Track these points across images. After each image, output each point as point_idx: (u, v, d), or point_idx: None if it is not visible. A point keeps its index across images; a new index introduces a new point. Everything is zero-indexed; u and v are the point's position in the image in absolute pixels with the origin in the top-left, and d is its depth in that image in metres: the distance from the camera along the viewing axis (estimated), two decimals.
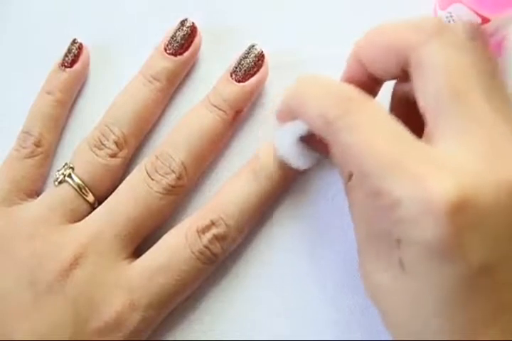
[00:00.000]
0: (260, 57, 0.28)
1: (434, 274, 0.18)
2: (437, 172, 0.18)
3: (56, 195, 0.27)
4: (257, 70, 0.28)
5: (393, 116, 0.20)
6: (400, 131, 0.20)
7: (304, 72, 0.30)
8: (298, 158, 0.25)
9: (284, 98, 0.24)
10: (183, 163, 0.27)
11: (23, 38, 0.33)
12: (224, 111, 0.28)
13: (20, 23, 0.33)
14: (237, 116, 0.29)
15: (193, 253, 0.25)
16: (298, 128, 0.23)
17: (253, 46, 0.28)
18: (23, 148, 0.29)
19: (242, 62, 0.28)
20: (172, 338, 0.27)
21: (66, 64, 0.30)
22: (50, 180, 0.30)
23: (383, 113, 0.20)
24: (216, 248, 0.26)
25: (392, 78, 0.23)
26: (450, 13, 0.27)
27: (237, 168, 0.28)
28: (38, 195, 0.29)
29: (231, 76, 0.28)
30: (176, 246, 0.26)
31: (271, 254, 0.28)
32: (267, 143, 0.28)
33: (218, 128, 0.28)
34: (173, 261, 0.25)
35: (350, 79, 0.24)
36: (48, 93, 0.30)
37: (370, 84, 0.24)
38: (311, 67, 0.30)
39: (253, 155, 0.28)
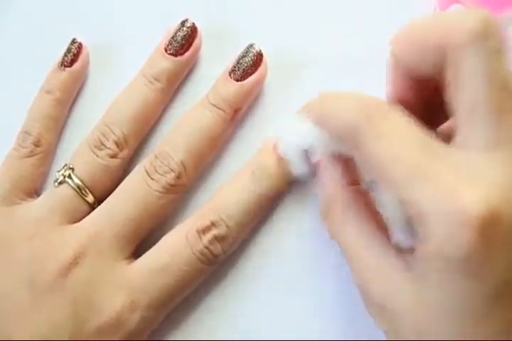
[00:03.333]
0: (259, 56, 0.28)
1: (457, 289, 0.18)
2: (466, 183, 0.17)
3: (56, 196, 0.27)
4: (256, 69, 0.28)
5: (418, 125, 0.20)
6: (427, 139, 0.19)
7: (304, 72, 0.30)
8: (296, 164, 0.25)
9: (308, 105, 0.24)
10: (182, 162, 0.27)
11: (23, 38, 0.33)
12: (223, 110, 0.28)
13: (20, 23, 0.33)
14: (237, 116, 0.29)
15: (193, 253, 0.25)
16: (309, 138, 0.23)
17: (252, 45, 0.29)
18: (23, 147, 0.29)
19: (241, 61, 0.28)
20: (172, 338, 0.27)
21: (66, 63, 0.30)
22: (50, 180, 0.30)
23: (408, 121, 0.20)
24: (216, 248, 0.26)
25: (429, 77, 0.21)
26: None
27: (237, 168, 0.28)
28: (37, 195, 0.29)
29: (230, 75, 0.28)
30: (176, 247, 0.26)
31: (271, 254, 0.28)
32: (267, 143, 0.28)
33: (217, 128, 0.28)
34: (173, 262, 0.25)
35: (392, 81, 0.23)
36: (48, 92, 0.30)
37: (413, 87, 0.23)
38: (311, 67, 0.30)
39: (253, 155, 0.28)
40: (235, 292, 0.28)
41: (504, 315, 0.18)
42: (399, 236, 0.21)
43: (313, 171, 0.25)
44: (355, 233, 0.22)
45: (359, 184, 0.24)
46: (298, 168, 0.25)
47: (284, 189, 0.28)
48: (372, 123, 0.20)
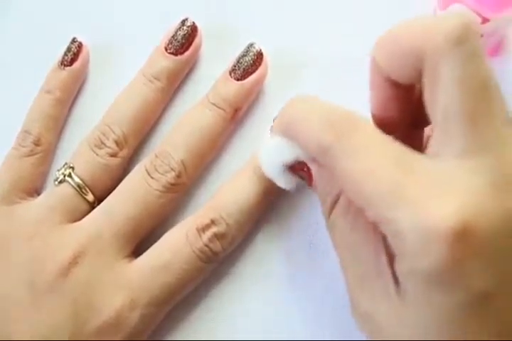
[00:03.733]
0: (259, 56, 0.28)
1: (434, 302, 0.18)
2: (440, 197, 0.17)
3: (56, 195, 0.27)
4: (256, 68, 0.28)
5: (389, 137, 0.19)
6: (398, 151, 0.19)
7: (304, 72, 0.30)
8: (281, 180, 0.24)
9: (278, 120, 0.22)
10: (182, 162, 0.27)
11: (23, 38, 0.33)
12: (223, 109, 0.28)
13: (20, 23, 0.33)
14: (237, 115, 0.29)
15: (193, 251, 0.25)
16: (285, 153, 0.23)
17: (252, 44, 0.29)
18: (23, 147, 0.29)
19: (241, 60, 0.28)
20: (173, 338, 0.27)
21: (66, 62, 0.30)
22: (50, 179, 0.30)
23: (380, 135, 0.19)
24: (216, 246, 0.26)
25: (412, 82, 0.21)
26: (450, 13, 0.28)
27: (237, 167, 0.28)
28: (37, 194, 0.29)
29: (230, 74, 0.28)
30: (176, 245, 0.26)
31: (271, 253, 0.28)
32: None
33: (217, 127, 0.28)
34: (173, 260, 0.25)
35: (374, 88, 0.22)
36: (48, 92, 0.30)
37: (393, 90, 0.22)
38: (311, 67, 0.30)
39: (252, 154, 0.28)
40: (235, 291, 0.28)
41: (483, 325, 0.18)
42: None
43: (297, 182, 0.24)
44: (349, 240, 0.21)
45: None
46: (284, 184, 0.24)
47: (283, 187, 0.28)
48: (342, 139, 0.19)
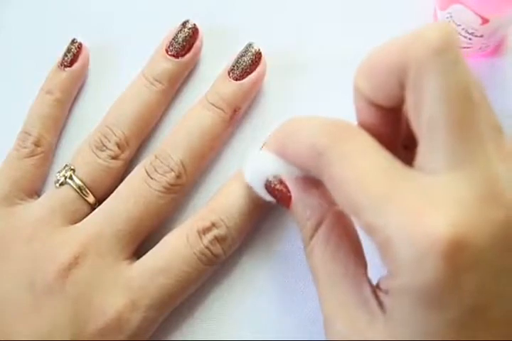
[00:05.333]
0: (257, 55, 0.28)
1: (424, 321, 0.17)
2: (431, 207, 0.17)
3: (57, 197, 0.27)
4: (255, 68, 0.28)
5: (382, 147, 0.19)
6: (391, 162, 0.19)
7: (304, 72, 0.30)
8: (264, 194, 0.24)
9: (274, 132, 0.23)
10: (182, 162, 0.27)
11: (23, 38, 0.33)
12: (222, 109, 0.28)
13: (20, 23, 0.33)
14: (236, 115, 0.29)
15: (194, 253, 0.25)
16: (269, 166, 0.23)
17: (250, 44, 0.29)
18: (23, 147, 0.29)
19: (240, 60, 0.28)
20: (173, 338, 0.27)
21: (65, 63, 0.30)
22: (50, 180, 0.30)
23: (374, 143, 0.19)
24: (217, 249, 0.26)
25: (397, 104, 0.20)
26: (450, 13, 0.28)
27: (236, 168, 0.28)
28: (37, 195, 0.29)
29: (229, 74, 0.28)
30: (177, 247, 0.26)
31: (272, 255, 0.28)
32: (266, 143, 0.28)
33: (217, 127, 0.28)
34: (174, 262, 0.25)
35: (361, 114, 0.22)
36: (48, 93, 0.30)
37: (379, 114, 0.21)
38: (311, 67, 0.30)
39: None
40: (235, 293, 0.28)
41: (476, 339, 0.17)
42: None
43: (279, 202, 0.24)
44: (329, 271, 0.21)
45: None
46: (265, 196, 0.24)
47: None
48: (338, 144, 0.19)
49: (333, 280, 0.21)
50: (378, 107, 0.21)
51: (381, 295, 0.19)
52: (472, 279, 0.17)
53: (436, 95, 0.18)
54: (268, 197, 0.24)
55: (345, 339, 0.20)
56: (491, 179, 0.18)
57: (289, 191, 0.23)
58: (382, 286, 0.19)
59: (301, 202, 0.22)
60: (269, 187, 0.23)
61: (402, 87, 0.19)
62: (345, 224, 0.22)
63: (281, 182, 0.23)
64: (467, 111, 0.18)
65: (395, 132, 0.21)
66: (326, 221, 0.22)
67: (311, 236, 0.22)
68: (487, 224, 0.17)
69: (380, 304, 0.19)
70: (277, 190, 0.23)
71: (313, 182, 0.22)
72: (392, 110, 0.21)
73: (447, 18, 0.28)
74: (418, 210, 0.17)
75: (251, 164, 0.24)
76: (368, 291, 0.20)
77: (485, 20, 0.26)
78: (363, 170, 0.18)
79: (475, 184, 0.17)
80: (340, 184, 0.19)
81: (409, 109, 0.19)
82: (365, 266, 0.21)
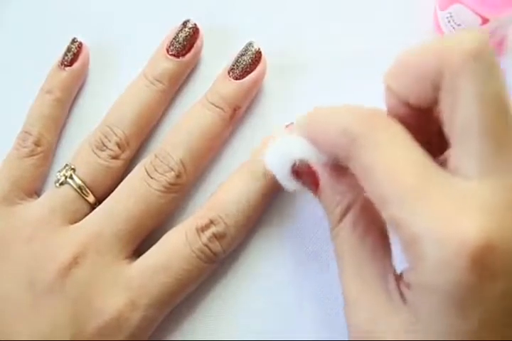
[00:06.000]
0: (257, 55, 0.28)
1: (444, 319, 0.17)
2: (462, 210, 0.17)
3: (57, 197, 0.27)
4: (255, 67, 0.28)
5: (416, 141, 0.19)
6: (423, 157, 0.18)
7: (304, 72, 0.30)
8: (286, 180, 0.23)
9: (300, 117, 0.22)
10: (181, 161, 0.27)
11: (23, 38, 0.33)
12: (222, 108, 0.28)
13: (20, 23, 0.33)
14: (236, 114, 0.29)
15: (193, 251, 0.25)
16: (296, 151, 0.22)
17: (250, 44, 0.29)
18: (23, 147, 0.29)
19: (240, 59, 0.28)
20: (173, 338, 0.27)
21: (66, 63, 0.30)
22: (50, 180, 0.30)
23: (408, 136, 0.19)
24: (216, 246, 0.26)
25: (431, 104, 0.20)
26: (450, 13, 0.28)
27: (236, 167, 0.28)
28: (37, 195, 0.29)
29: (229, 74, 0.28)
30: (176, 245, 0.26)
31: (271, 253, 0.28)
32: (265, 142, 0.28)
33: (216, 126, 0.28)
34: (173, 260, 0.25)
35: (393, 112, 0.21)
36: (48, 92, 0.30)
37: (411, 113, 0.21)
38: (311, 67, 0.30)
39: (251, 154, 0.28)
40: (235, 292, 0.28)
41: None
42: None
43: (308, 188, 0.24)
44: (354, 256, 0.21)
45: None
46: (288, 185, 0.23)
47: (281, 187, 0.28)
48: (371, 132, 0.19)
49: (359, 264, 0.21)
50: (409, 107, 0.21)
51: (403, 287, 0.19)
52: (498, 285, 0.17)
53: (471, 99, 0.18)
54: (289, 184, 0.23)
55: (365, 325, 0.20)
56: None
57: (316, 176, 0.22)
58: (404, 279, 0.19)
59: (330, 187, 0.22)
60: (297, 171, 0.23)
61: (435, 88, 0.19)
62: (373, 211, 0.22)
63: (309, 167, 0.22)
64: (501, 117, 0.18)
65: (424, 133, 0.21)
66: (354, 206, 0.21)
67: (339, 221, 0.22)
68: None
69: (402, 295, 0.19)
70: (306, 174, 0.23)
71: (341, 168, 0.21)
72: (423, 110, 0.20)
73: (447, 18, 0.28)
74: (449, 214, 0.17)
75: (275, 148, 0.23)
76: (392, 280, 0.20)
77: (485, 20, 0.26)
78: (394, 160, 0.18)
79: (506, 192, 0.17)
80: (369, 172, 0.19)
81: (444, 112, 0.19)
82: (390, 255, 0.21)
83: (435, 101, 0.19)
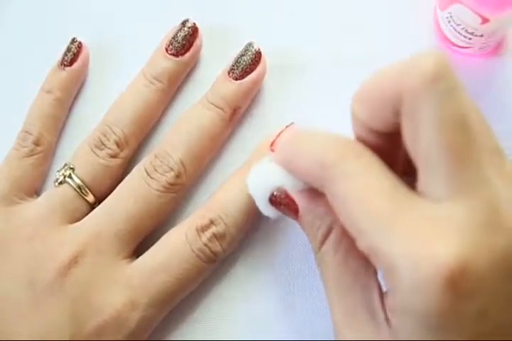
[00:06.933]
0: (257, 55, 0.28)
1: None
2: (435, 233, 0.17)
3: (56, 196, 0.27)
4: (255, 68, 0.28)
5: (388, 168, 0.19)
6: (395, 184, 0.18)
7: (304, 72, 0.30)
8: (266, 208, 0.23)
9: (279, 144, 0.22)
10: (181, 161, 0.27)
11: (23, 38, 0.33)
12: (222, 108, 0.28)
13: (20, 23, 0.33)
14: (236, 115, 0.29)
15: (193, 251, 0.26)
16: (274, 178, 0.22)
17: (250, 44, 0.29)
18: (23, 147, 0.29)
19: (240, 60, 0.28)
20: (173, 338, 0.27)
21: (65, 63, 0.30)
22: (50, 180, 0.30)
23: (379, 163, 0.19)
24: (216, 246, 0.26)
25: (396, 129, 0.20)
26: (450, 13, 0.28)
27: (236, 167, 0.28)
28: (37, 194, 0.29)
29: (229, 74, 0.28)
30: (176, 245, 0.26)
31: (271, 253, 0.28)
32: (265, 141, 0.28)
33: (216, 127, 0.28)
34: (173, 260, 0.25)
35: (360, 140, 0.21)
36: (48, 92, 0.30)
37: (378, 140, 0.21)
38: (311, 67, 0.30)
39: (251, 154, 0.28)
40: (235, 292, 0.28)
41: None
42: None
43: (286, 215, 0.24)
44: (339, 276, 0.21)
45: None
46: (265, 212, 0.24)
47: None
48: (343, 162, 0.19)
49: (343, 288, 0.21)
50: (375, 133, 0.20)
51: (387, 310, 0.19)
52: (474, 306, 0.17)
53: (431, 124, 0.17)
54: (269, 212, 0.23)
55: None
56: (491, 206, 0.18)
57: (295, 203, 0.22)
58: (387, 302, 0.19)
59: (309, 212, 0.22)
60: (274, 200, 0.23)
61: (397, 114, 0.19)
62: None
63: (287, 194, 0.22)
64: (463, 139, 0.18)
65: (393, 157, 0.21)
66: (335, 229, 0.21)
67: (321, 245, 0.22)
68: (488, 251, 0.17)
69: (387, 318, 0.19)
70: (284, 202, 0.23)
71: (319, 192, 0.21)
72: (390, 135, 0.20)
73: (447, 18, 0.28)
74: (422, 238, 0.17)
75: (255, 176, 0.24)
76: (376, 301, 0.20)
77: (485, 20, 0.26)
78: (365, 190, 0.18)
79: (476, 212, 0.17)
80: (342, 203, 0.19)
81: (406, 138, 0.19)
82: (375, 272, 0.21)
83: (398, 127, 0.19)
